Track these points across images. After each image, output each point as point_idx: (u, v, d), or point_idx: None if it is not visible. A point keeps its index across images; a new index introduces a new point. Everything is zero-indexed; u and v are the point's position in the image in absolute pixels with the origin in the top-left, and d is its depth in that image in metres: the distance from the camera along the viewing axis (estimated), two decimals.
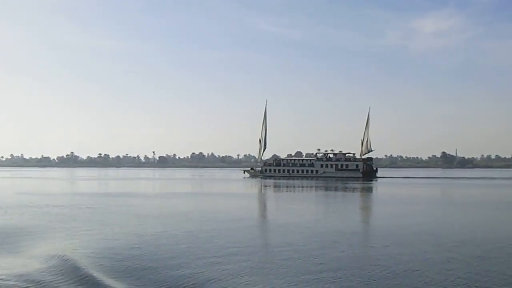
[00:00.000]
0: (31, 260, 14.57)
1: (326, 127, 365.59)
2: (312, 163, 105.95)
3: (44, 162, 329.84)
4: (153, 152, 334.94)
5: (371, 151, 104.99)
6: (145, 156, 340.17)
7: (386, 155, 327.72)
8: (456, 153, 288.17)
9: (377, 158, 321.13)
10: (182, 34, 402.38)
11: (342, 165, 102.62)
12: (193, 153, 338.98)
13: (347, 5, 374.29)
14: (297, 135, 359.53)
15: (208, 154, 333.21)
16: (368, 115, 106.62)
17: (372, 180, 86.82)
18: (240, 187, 67.68)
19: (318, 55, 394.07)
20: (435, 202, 40.88)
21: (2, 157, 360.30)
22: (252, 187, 66.93)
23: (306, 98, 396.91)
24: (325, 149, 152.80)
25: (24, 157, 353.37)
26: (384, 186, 68.09)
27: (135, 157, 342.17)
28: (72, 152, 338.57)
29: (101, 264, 13.80)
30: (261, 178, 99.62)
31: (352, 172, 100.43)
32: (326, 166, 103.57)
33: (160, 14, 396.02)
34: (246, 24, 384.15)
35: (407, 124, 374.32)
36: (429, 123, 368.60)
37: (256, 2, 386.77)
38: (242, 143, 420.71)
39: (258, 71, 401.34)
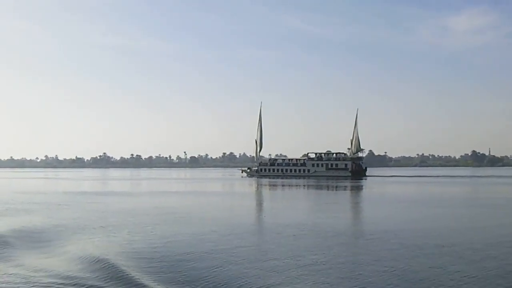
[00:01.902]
0: (68, 259, 15.07)
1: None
2: (304, 162, 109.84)
3: (77, 163, 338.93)
4: (185, 152, 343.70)
5: (361, 150, 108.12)
6: (177, 156, 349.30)
7: (418, 154, 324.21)
8: (489, 152, 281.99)
9: (409, 157, 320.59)
10: (213, 34, 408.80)
11: (332, 165, 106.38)
12: (224, 153, 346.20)
13: (379, 2, 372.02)
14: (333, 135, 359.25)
15: (240, 154, 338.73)
16: (356, 116, 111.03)
17: (360, 179, 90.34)
18: (239, 186, 72.61)
19: (350, 53, 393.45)
20: (404, 201, 41.80)
21: (37, 158, 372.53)
22: (250, 186, 71.18)
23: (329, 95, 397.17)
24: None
25: (58, 158, 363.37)
26: (371, 184, 72.07)
27: (167, 158, 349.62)
28: (104, 153, 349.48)
29: (140, 265, 14.03)
30: (257, 177, 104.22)
31: (342, 171, 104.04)
32: (317, 165, 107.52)
33: (187, 14, 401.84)
34: (276, 22, 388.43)
35: (441, 122, 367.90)
36: (463, 121, 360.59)
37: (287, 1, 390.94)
38: (274, 143, 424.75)
39: (295, 69, 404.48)
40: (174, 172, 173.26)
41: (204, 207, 34.53)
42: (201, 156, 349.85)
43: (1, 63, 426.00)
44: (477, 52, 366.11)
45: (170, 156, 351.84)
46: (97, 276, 12.77)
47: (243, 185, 72.50)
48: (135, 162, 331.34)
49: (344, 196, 49.67)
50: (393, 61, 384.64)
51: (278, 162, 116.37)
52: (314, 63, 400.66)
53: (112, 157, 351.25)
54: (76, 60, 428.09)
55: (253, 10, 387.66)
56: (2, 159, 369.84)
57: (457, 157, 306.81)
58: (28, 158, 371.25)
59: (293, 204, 39.96)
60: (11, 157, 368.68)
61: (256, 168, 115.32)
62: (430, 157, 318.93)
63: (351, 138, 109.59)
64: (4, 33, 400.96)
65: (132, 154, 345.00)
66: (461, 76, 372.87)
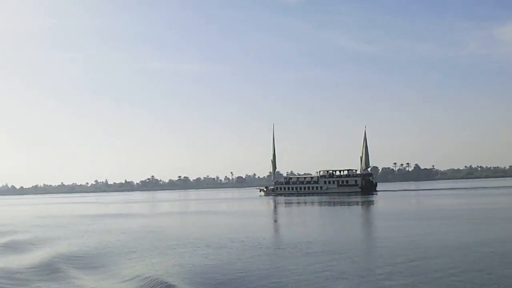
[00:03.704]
0: (126, 280, 15.72)
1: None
2: (317, 180, 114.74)
3: (126, 187, 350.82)
4: (231, 172, 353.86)
5: (369, 167, 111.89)
6: (225, 177, 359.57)
7: (466, 166, 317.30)
8: None
9: (458, 169, 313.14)
10: (259, 55, 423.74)
11: (343, 181, 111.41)
12: (270, 172, 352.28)
13: (425, 17, 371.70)
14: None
15: (287, 172, 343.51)
16: (365, 133, 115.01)
17: (370, 194, 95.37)
18: (258, 205, 76.96)
19: (395, 69, 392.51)
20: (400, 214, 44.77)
21: (87, 183, 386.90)
22: (268, 204, 75.71)
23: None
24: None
25: (108, 182, 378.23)
26: (380, 199, 75.80)
27: (214, 178, 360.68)
28: (152, 176, 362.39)
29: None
30: (274, 195, 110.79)
31: (352, 187, 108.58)
32: (329, 182, 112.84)
33: (233, 36, 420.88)
34: (322, 40, 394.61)
35: (491, 132, 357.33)
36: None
37: (332, 19, 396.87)
38: (318, 162, 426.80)
39: (336, 88, 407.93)
40: (209, 193, 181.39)
41: (240, 228, 34.37)
42: (249, 175, 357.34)
43: (46, 91, 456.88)
44: None
45: (217, 177, 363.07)
46: None
47: (261, 204, 76.77)
48: (182, 184, 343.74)
49: (353, 212, 53.57)
50: (440, 72, 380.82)
51: (292, 180, 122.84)
52: (360, 80, 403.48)
53: (160, 180, 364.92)
54: (119, 86, 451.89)
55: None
56: (53, 184, 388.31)
57: (506, 168, 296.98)
58: (78, 183, 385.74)
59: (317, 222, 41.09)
60: (62, 182, 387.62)
61: (273, 187, 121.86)
62: (479, 168, 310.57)
63: (360, 155, 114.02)
64: (60, 60, 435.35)
65: (179, 176, 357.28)
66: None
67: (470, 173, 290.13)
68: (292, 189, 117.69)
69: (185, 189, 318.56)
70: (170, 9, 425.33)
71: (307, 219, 45.00)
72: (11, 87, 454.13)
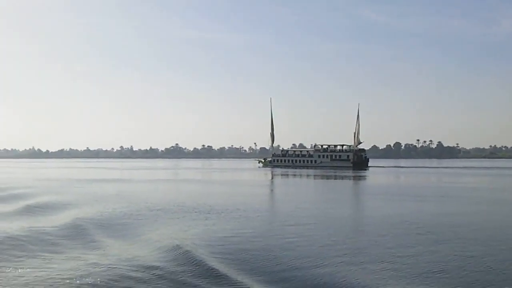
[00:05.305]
0: (148, 247, 15.39)
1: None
2: (311, 154, 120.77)
3: (150, 154, 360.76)
4: (255, 143, 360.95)
5: (361, 142, 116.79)
6: (250, 147, 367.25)
7: (490, 145, 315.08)
8: None
9: (483, 148, 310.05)
10: (280, 28, 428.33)
11: (336, 156, 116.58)
12: (294, 144, 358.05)
13: None
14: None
15: (311, 145, 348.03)
16: (358, 111, 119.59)
17: (362, 169, 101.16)
18: (258, 175, 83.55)
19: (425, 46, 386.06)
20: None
21: (113, 148, 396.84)
22: (266, 175, 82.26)
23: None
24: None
25: (134, 149, 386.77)
26: (371, 174, 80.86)
27: (238, 148, 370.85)
28: (177, 144, 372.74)
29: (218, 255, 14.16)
30: (271, 167, 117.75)
31: (344, 162, 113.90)
32: (323, 156, 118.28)
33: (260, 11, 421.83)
34: (355, 15, 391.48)
35: None
36: None
37: None
38: (339, 133, 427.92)
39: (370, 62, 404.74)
40: (226, 162, 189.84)
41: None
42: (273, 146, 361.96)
43: (81, 57, 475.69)
44: None
45: (241, 147, 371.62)
46: (178, 264, 13.06)
47: (260, 175, 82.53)
48: (206, 153, 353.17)
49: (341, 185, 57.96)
50: (470, 52, 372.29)
51: (289, 153, 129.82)
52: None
53: (185, 148, 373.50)
54: (152, 53, 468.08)
55: None
56: (79, 149, 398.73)
57: None
58: (103, 149, 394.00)
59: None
60: (87, 147, 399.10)
61: (270, 159, 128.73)
62: (504, 148, 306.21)
63: (354, 131, 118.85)
64: (85, 29, 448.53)
65: (203, 145, 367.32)
66: None
67: (493, 153, 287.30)
68: (288, 161, 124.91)
69: (209, 157, 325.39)
70: None
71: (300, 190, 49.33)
72: (33, 52, 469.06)
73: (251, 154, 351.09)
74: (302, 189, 50.44)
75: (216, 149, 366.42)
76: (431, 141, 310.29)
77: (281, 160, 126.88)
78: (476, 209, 27.14)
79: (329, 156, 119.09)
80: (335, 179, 68.78)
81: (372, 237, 17.60)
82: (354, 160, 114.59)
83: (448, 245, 15.85)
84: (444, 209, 27.39)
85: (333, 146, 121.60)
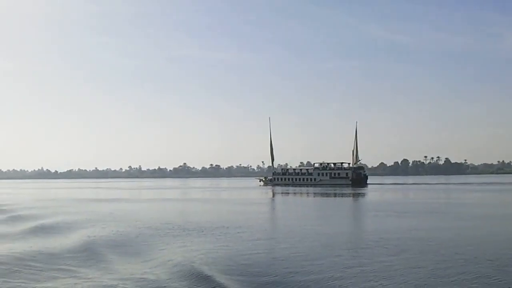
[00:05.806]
0: (158, 266, 15.88)
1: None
2: (311, 172, 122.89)
3: (158, 173, 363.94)
4: (262, 162, 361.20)
5: (359, 160, 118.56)
6: (258, 165, 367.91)
7: (498, 161, 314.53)
8: None
9: (491, 164, 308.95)
10: (293, 45, 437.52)
11: (335, 174, 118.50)
12: (301, 163, 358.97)
13: (462, 10, 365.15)
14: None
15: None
16: (356, 130, 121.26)
17: (361, 187, 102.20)
18: (261, 193, 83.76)
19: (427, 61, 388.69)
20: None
21: (121, 168, 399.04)
22: (267, 193, 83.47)
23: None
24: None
25: (142, 168, 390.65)
26: (369, 192, 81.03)
27: (246, 167, 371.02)
28: (184, 163, 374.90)
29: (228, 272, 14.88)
30: (272, 185, 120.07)
31: (343, 179, 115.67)
32: (322, 174, 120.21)
33: (268, 27, 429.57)
34: (359, 31, 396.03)
35: None
36: None
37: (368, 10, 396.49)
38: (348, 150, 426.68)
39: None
40: (232, 181, 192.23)
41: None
42: (281, 165, 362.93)
43: (83, 77, 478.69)
44: None
45: (250, 165, 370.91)
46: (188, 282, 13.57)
47: (261, 193, 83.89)
48: (215, 172, 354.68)
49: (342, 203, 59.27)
50: (477, 68, 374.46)
51: (289, 171, 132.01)
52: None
53: (193, 167, 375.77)
54: (152, 74, 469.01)
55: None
56: (88, 169, 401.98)
57: None
58: (112, 169, 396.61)
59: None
60: (96, 168, 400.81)
61: (271, 178, 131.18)
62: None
63: (352, 149, 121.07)
64: (91, 47, 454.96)
65: (211, 164, 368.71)
66: None
67: (501, 169, 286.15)
68: (289, 179, 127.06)
69: (217, 177, 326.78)
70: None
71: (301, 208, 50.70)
72: (47, 71, 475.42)
73: (259, 172, 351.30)
74: (301, 208, 51.43)
75: (224, 168, 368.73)
76: (438, 157, 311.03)
77: (281, 178, 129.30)
78: (460, 225, 28.22)
79: (328, 174, 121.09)
80: (334, 196, 70.51)
81: (373, 253, 18.18)
82: (353, 178, 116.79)
83: (428, 257, 17.09)
84: (428, 224, 28.71)
85: (332, 164, 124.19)
